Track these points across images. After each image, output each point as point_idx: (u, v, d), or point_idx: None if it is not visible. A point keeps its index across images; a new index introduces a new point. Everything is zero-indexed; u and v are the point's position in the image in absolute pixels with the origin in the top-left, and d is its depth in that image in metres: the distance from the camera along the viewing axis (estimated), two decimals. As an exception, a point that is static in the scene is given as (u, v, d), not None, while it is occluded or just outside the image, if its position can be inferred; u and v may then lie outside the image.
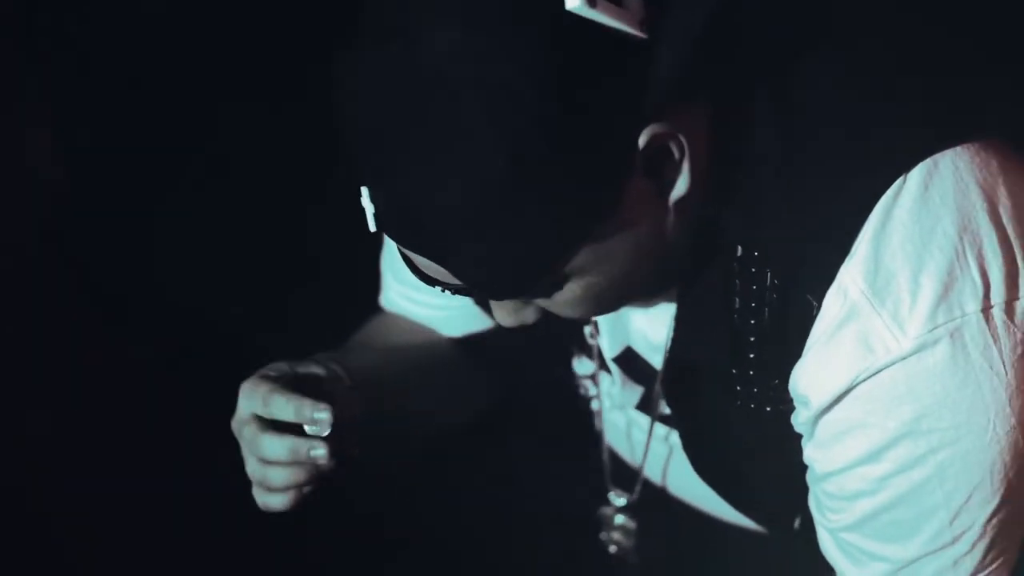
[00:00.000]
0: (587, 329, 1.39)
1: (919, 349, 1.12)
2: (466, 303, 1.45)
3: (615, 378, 1.39)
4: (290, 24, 2.15)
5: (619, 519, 1.48)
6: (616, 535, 1.49)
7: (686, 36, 1.08)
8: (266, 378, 1.23)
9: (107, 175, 2.16)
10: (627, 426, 1.46)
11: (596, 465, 1.49)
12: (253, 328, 2.06)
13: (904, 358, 1.12)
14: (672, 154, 1.10)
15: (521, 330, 1.27)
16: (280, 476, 1.22)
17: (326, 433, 1.19)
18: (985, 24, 1.29)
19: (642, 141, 1.08)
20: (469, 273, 1.10)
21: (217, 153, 2.15)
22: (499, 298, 1.16)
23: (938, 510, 1.17)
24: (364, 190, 1.10)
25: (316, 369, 1.27)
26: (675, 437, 1.41)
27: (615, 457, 1.50)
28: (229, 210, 2.14)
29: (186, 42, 2.17)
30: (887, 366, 1.12)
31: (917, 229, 1.13)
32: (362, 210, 1.13)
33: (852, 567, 1.23)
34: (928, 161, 1.14)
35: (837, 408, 1.15)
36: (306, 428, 1.20)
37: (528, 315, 1.20)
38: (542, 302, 1.18)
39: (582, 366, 1.44)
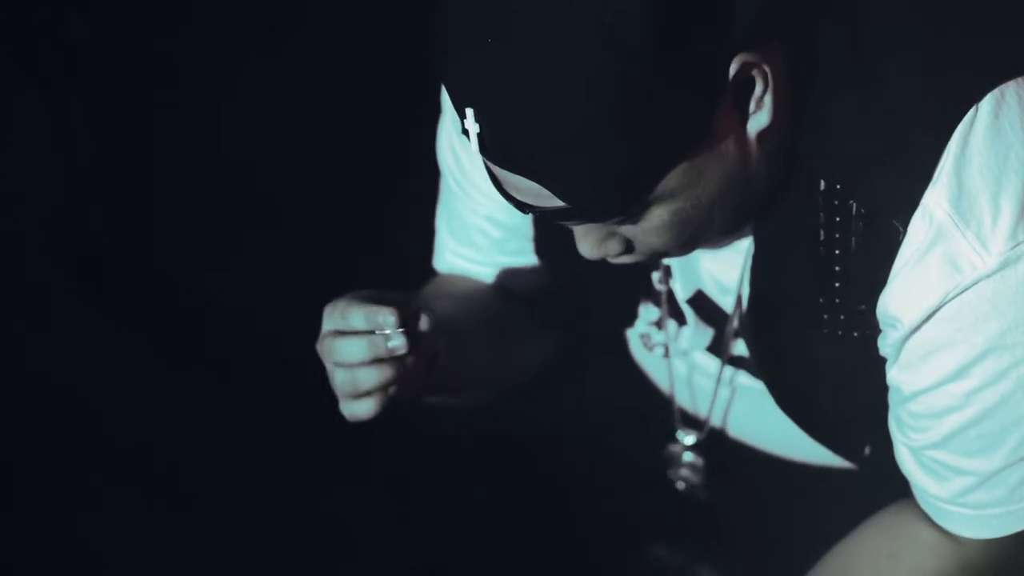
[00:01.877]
0: (655, 275, 1.44)
1: (1003, 266, 1.18)
2: (526, 259, 1.49)
3: (689, 321, 1.44)
4: (288, 20, 2.18)
5: (687, 456, 1.53)
6: (685, 472, 1.54)
7: None
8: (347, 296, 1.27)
9: (107, 173, 2.18)
10: (688, 372, 1.51)
11: (658, 412, 1.53)
12: (255, 327, 2.09)
13: (990, 275, 1.18)
14: (756, 85, 1.17)
15: (587, 276, 1.31)
16: (368, 376, 1.23)
17: (395, 332, 1.22)
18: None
19: (732, 69, 1.15)
20: (570, 191, 1.15)
21: (218, 150, 2.17)
22: (594, 219, 1.20)
23: (1020, 422, 1.23)
24: (469, 112, 1.14)
25: (399, 297, 1.29)
26: (741, 379, 1.46)
27: (681, 402, 1.54)
28: (230, 207, 2.16)
29: (186, 38, 2.19)
30: (973, 284, 1.19)
31: (992, 155, 1.19)
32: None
33: (936, 484, 1.29)
34: (995, 92, 1.21)
35: (926, 327, 1.21)
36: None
37: (613, 246, 1.25)
38: (628, 231, 1.23)
39: (648, 313, 1.49)
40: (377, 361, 1.24)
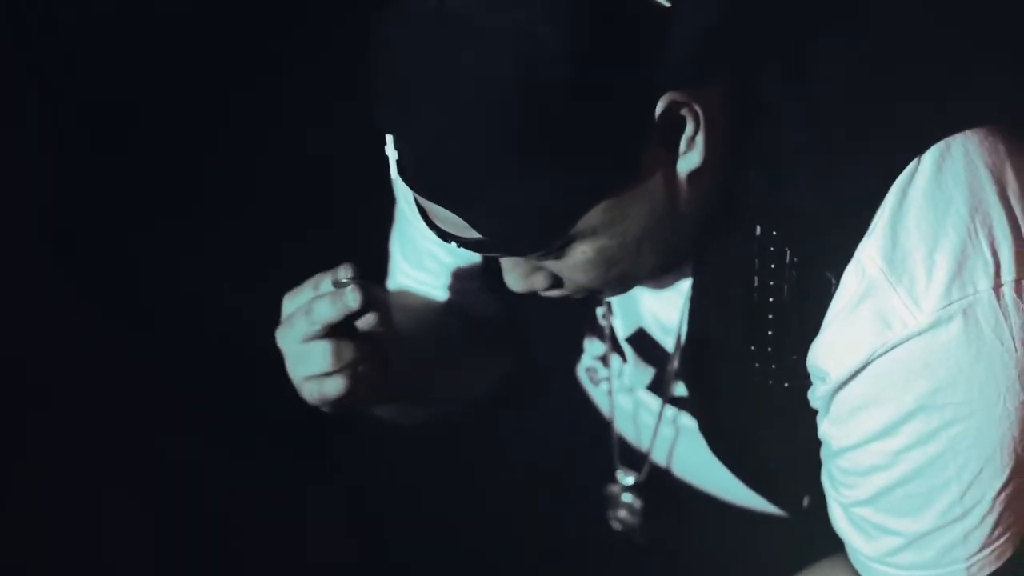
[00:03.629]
0: (599, 310, 1.41)
1: (934, 325, 1.15)
2: (476, 286, 1.47)
3: (628, 359, 1.42)
4: (283, 21, 2.17)
5: (626, 498, 1.51)
6: (623, 513, 1.51)
7: (705, 7, 1.12)
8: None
9: (106, 177, 2.18)
10: (634, 409, 1.48)
11: (604, 445, 1.51)
12: (252, 331, 2.08)
13: (920, 333, 1.15)
14: (686, 125, 1.13)
15: (533, 307, 1.29)
16: (344, 349, 1.23)
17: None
18: (988, 20, 1.32)
19: (659, 108, 1.11)
20: (485, 223, 1.13)
21: (218, 153, 2.17)
22: (513, 252, 1.18)
23: (950, 484, 1.20)
24: (389, 138, 1.13)
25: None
26: (683, 419, 1.43)
27: (622, 439, 1.52)
28: (229, 211, 2.16)
29: (185, 41, 2.19)
30: (903, 341, 1.15)
31: (931, 209, 1.16)
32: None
33: (864, 541, 1.26)
34: (940, 144, 1.17)
35: (854, 383, 1.18)
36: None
37: (539, 281, 1.22)
38: (554, 266, 1.20)
39: (593, 347, 1.47)
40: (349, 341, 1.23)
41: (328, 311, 1.23)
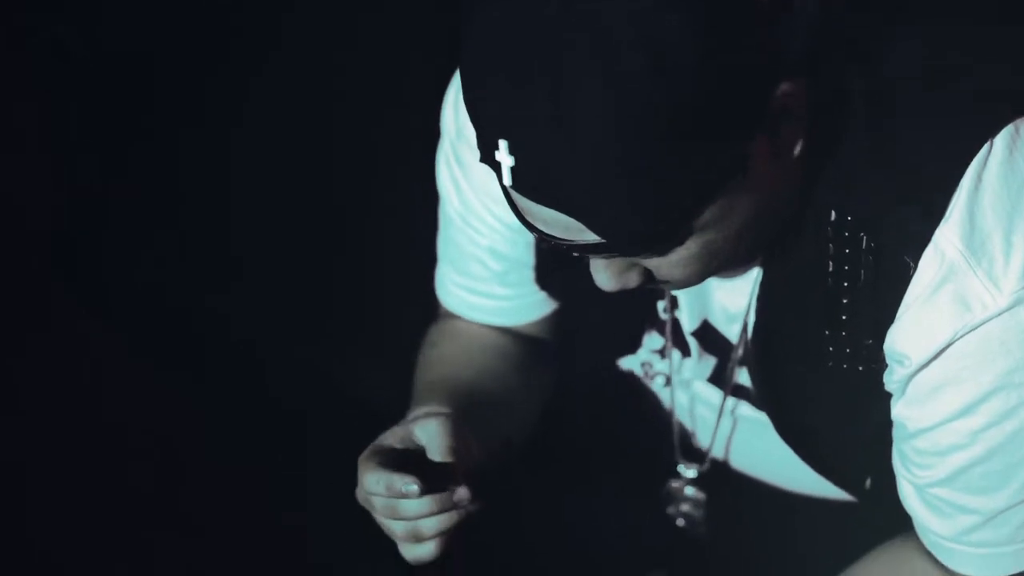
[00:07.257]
0: (660, 304, 1.42)
1: (1013, 305, 1.17)
2: (526, 290, 1.48)
3: (692, 351, 1.43)
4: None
5: (689, 491, 1.52)
6: (685, 507, 1.52)
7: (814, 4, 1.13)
8: (374, 454, 1.26)
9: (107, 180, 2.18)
10: (690, 403, 1.50)
11: (664, 440, 1.52)
12: (258, 332, 2.09)
13: (999, 314, 1.17)
14: (791, 117, 1.14)
15: (590, 302, 1.29)
16: (431, 524, 1.24)
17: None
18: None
19: (773, 97, 1.12)
20: (607, 226, 1.10)
21: (221, 154, 2.17)
22: (630, 253, 1.16)
23: None
24: (502, 143, 1.09)
25: (419, 438, 1.28)
26: (742, 410, 1.45)
27: (682, 432, 1.54)
28: (238, 212, 2.16)
29: (187, 42, 2.19)
30: (983, 322, 1.18)
31: (1006, 191, 1.18)
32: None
33: (939, 521, 1.28)
34: (1011, 127, 1.20)
35: (933, 365, 1.20)
36: None
37: (632, 278, 1.20)
38: (652, 262, 1.19)
39: (651, 341, 1.48)
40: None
41: (426, 507, 1.23)
